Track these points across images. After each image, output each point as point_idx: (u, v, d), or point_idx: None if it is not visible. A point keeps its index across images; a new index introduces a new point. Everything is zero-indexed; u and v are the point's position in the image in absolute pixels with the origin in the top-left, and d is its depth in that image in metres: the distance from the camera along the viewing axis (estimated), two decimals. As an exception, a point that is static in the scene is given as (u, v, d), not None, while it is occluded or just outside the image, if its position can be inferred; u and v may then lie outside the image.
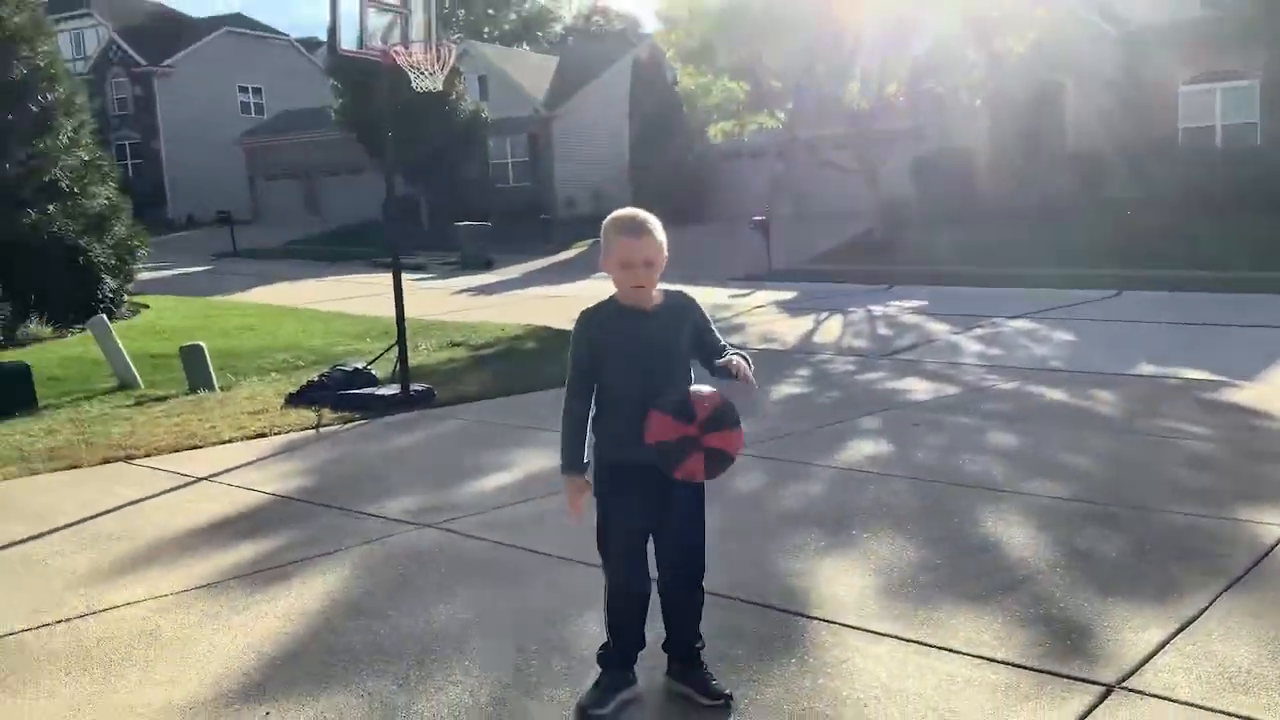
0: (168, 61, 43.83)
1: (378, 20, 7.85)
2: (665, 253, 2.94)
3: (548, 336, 12.59)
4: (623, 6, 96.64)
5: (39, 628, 3.71)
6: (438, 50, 8.06)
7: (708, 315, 3.04)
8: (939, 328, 12.10)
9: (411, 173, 32.31)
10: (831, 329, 12.74)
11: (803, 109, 23.61)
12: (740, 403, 2.87)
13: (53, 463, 6.52)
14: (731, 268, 20.06)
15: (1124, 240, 19.19)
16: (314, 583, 4.12)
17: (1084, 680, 3.06)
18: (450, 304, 16.85)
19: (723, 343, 3.01)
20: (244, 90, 46.90)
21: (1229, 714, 2.84)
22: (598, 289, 13.45)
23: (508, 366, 10.45)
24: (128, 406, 8.71)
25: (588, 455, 2.98)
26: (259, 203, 42.77)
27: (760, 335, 12.26)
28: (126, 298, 15.38)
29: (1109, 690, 2.99)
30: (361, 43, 7.78)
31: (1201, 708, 2.88)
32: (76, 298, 13.79)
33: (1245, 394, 7.78)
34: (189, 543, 4.72)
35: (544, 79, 37.17)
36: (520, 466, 6.14)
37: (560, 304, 16.43)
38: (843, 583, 3.96)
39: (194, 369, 9.67)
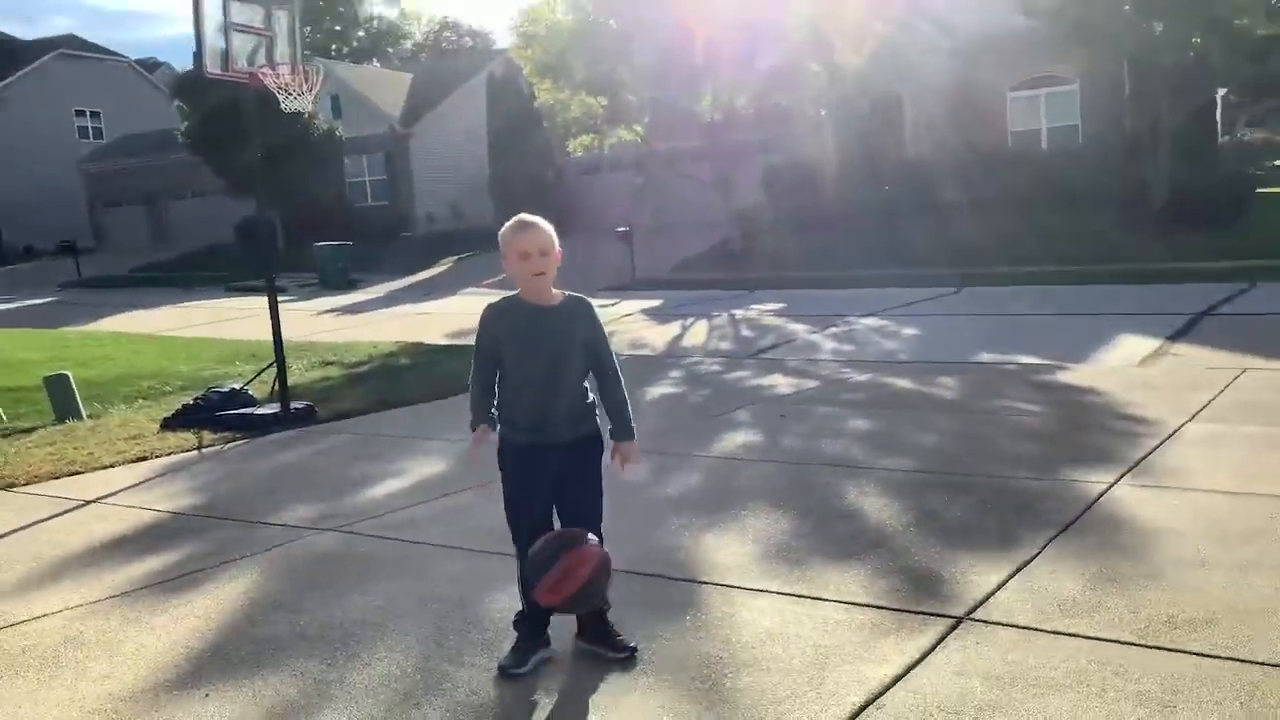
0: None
1: (242, 42, 7.92)
2: (557, 246, 3.29)
3: (420, 352, 12.72)
4: (474, 21, 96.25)
5: (-43, 643, 3.78)
6: (305, 72, 8.18)
7: (603, 329, 3.38)
8: (797, 328, 12.77)
9: (267, 193, 31.63)
10: (698, 333, 13.26)
11: (659, 123, 24.33)
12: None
13: (-72, 495, 6.39)
14: (597, 279, 20.48)
15: (962, 241, 20.46)
16: (227, 586, 4.29)
17: (937, 615, 3.54)
18: (317, 325, 16.73)
19: (613, 368, 3.35)
20: (81, 114, 44.94)
21: (1058, 632, 3.36)
22: (464, 304, 13.90)
23: (383, 382, 10.55)
24: (-4, 438, 8.49)
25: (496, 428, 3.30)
26: (102, 230, 41.04)
27: (630, 342, 12.67)
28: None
29: (958, 621, 3.48)
30: (226, 65, 7.83)
31: (1036, 629, 3.39)
32: (-83, 333, 13.17)
33: (1073, 375, 8.59)
34: (93, 559, 4.80)
35: (399, 96, 36.91)
36: (407, 474, 6.35)
37: (428, 321, 16.54)
38: (725, 552, 4.37)
39: (60, 398, 9.47)
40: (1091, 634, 3.32)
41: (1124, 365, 9.00)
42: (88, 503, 6.00)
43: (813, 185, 26.33)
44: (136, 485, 6.42)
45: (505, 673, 3.25)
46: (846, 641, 3.37)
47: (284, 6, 8.16)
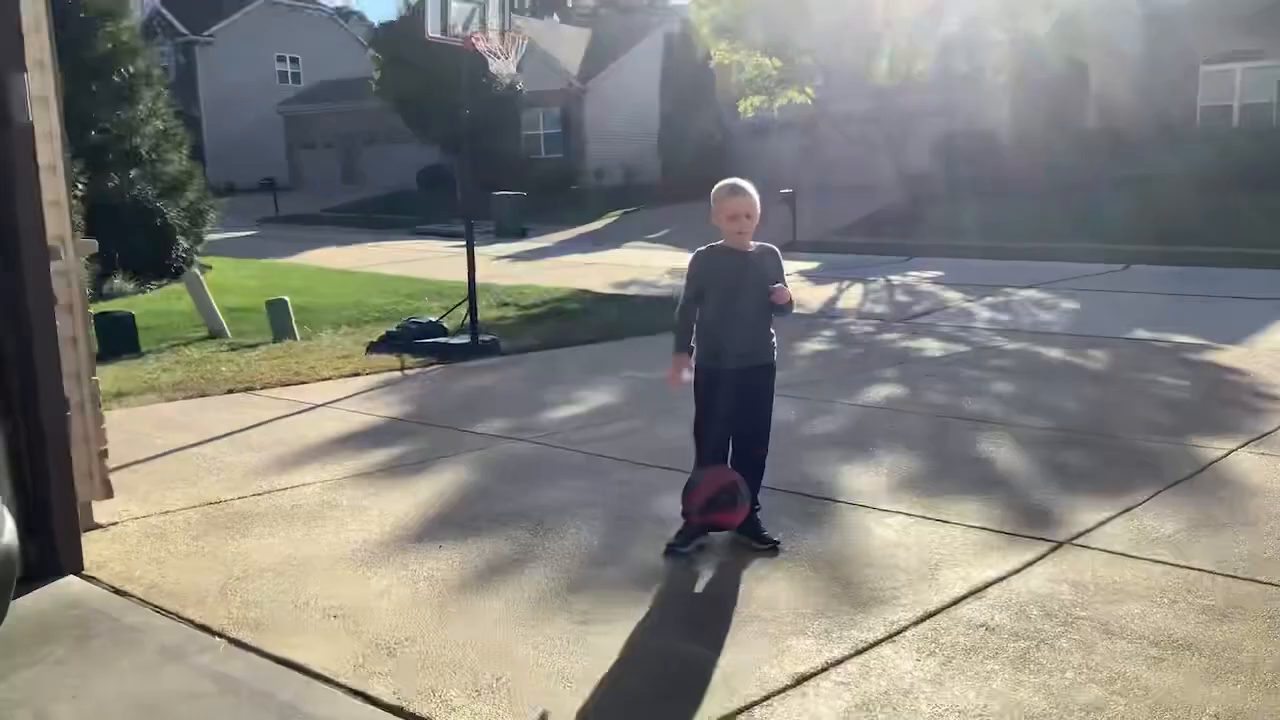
0: (209, 31, 44.87)
1: (459, 9, 8.82)
2: (759, 208, 3.99)
3: (590, 299, 13.59)
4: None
5: (238, 499, 4.82)
6: (510, 37, 9.04)
7: (782, 266, 4.08)
8: (953, 295, 13.05)
9: (448, 144, 33.30)
10: (853, 296, 13.69)
11: (832, 86, 24.42)
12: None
13: (183, 392, 7.63)
14: (758, 238, 21.00)
15: (1137, 217, 19.98)
16: (444, 475, 5.21)
17: (1042, 539, 4.10)
18: (493, 269, 17.87)
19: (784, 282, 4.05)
20: (282, 60, 47.89)
21: (1145, 559, 3.88)
22: (628, 256, 14.89)
23: (558, 323, 11.46)
24: (224, 351, 9.80)
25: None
26: (297, 171, 43.88)
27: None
28: (195, 258, 16.49)
29: (1060, 545, 4.04)
30: (445, 29, 8.75)
31: (1126, 555, 3.92)
32: (153, 257, 14.93)
33: (1224, 355, 8.71)
34: (331, 448, 5.82)
35: (577, 52, 37.96)
36: (586, 402, 7.19)
37: (597, 270, 17.43)
38: (861, 480, 5.01)
39: (278, 320, 10.77)
40: (1175, 562, 3.83)
41: (1277, 349, 9.04)
42: (316, 406, 7.08)
43: (986, 153, 25.97)
44: (354, 395, 7.49)
45: (672, 550, 4.00)
46: (959, 552, 3.98)
47: (495, -23, 9.02)
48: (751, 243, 4.02)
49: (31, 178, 3.57)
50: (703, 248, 4.09)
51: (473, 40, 8.92)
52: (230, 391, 7.61)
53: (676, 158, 31.23)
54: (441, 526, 4.38)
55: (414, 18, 33.38)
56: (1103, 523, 4.30)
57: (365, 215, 33.10)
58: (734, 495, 3.86)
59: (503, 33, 9.15)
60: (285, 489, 4.98)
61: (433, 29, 8.79)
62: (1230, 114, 25.27)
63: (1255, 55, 24.87)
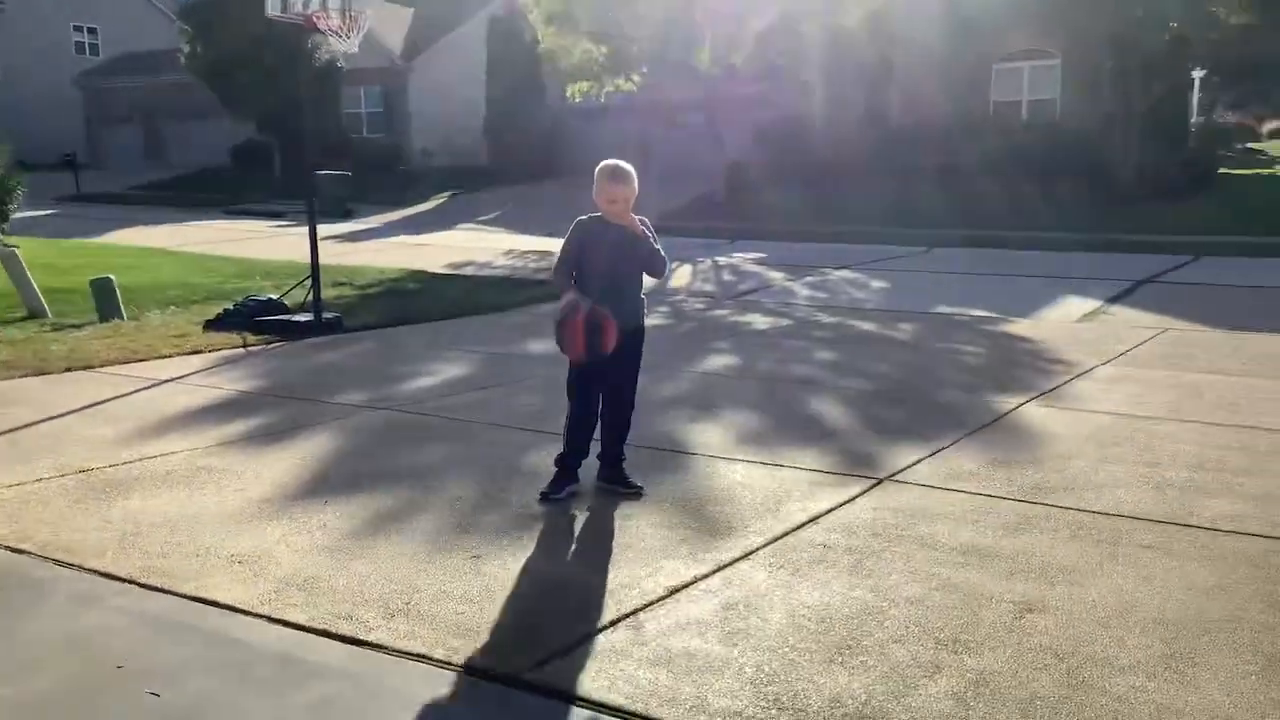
0: (-3, -2, 41.67)
1: (299, -13, 8.82)
2: (637, 190, 4.33)
3: (424, 278, 13.71)
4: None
5: (109, 466, 4.88)
6: (353, 16, 9.10)
7: (653, 233, 4.44)
8: (775, 275, 13.87)
9: (265, 120, 32.25)
10: (683, 275, 14.33)
11: (658, 74, 25.12)
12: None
13: (17, 371, 7.41)
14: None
15: (937, 204, 21.57)
16: (312, 441, 5.40)
17: (866, 477, 4.71)
18: (322, 249, 17.61)
19: (659, 249, 4.41)
20: (79, 30, 44.93)
21: (951, 489, 4.54)
22: (459, 238, 15.27)
23: (396, 302, 11.56)
24: (49, 331, 9.47)
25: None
26: (97, 147, 41.36)
27: (622, 279, 13.73)
28: (2, 236, 15.56)
29: (880, 481, 4.66)
30: (285, 8, 8.74)
31: (936, 487, 4.57)
32: (-48, 235, 14.01)
33: (1015, 326, 9.74)
34: (191, 419, 5.89)
35: (400, 30, 37.34)
36: (438, 374, 7.45)
37: (427, 251, 17.45)
38: (707, 435, 5.52)
39: (104, 300, 10.45)
40: (975, 491, 4.50)
41: (1062, 320, 10.16)
42: (163, 381, 7.06)
43: (801, 142, 27.35)
44: (200, 371, 7.48)
45: (546, 498, 4.38)
46: (796, 490, 4.53)
47: (335, -44, 9.04)
48: (629, 214, 4.37)
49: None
50: (583, 216, 4.43)
51: (314, 19, 8.95)
52: (69, 369, 7.45)
53: (505, 140, 31.31)
54: (323, 485, 4.61)
55: (226, -11, 32.19)
56: (915, 463, 4.94)
57: (174, 194, 31.67)
58: (596, 325, 4.15)
59: (344, 12, 9.20)
60: (154, 456, 5.06)
61: (272, 8, 8.77)
62: (1020, 109, 27.44)
63: (1041, 55, 27.12)
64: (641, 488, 4.49)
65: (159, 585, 3.40)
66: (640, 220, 4.40)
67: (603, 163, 4.40)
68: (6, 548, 3.74)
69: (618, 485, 4.49)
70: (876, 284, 13.35)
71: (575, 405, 4.45)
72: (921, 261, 15.81)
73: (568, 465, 4.46)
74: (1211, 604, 3.32)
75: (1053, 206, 21.18)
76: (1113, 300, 11.41)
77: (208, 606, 3.24)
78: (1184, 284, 12.90)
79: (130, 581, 3.44)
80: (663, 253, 4.44)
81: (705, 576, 3.54)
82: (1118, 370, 7.44)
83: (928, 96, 27.66)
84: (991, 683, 2.78)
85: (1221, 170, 23.00)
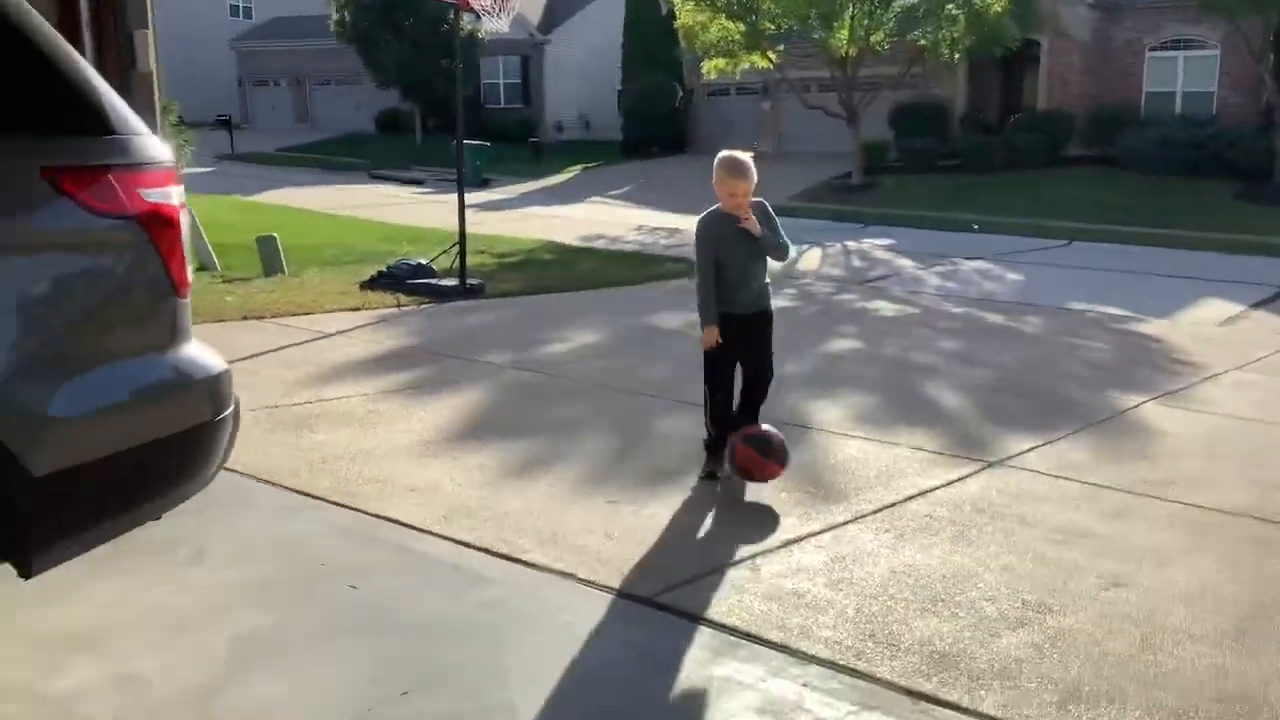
0: (163, -42, 44.03)
1: (456, -34, 9.39)
2: (755, 181, 4.46)
3: (561, 250, 14.28)
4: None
5: (293, 404, 5.53)
6: (505, -2, 9.64)
7: (774, 217, 4.63)
8: (906, 263, 13.97)
9: (409, 88, 33.46)
10: (812, 259, 14.55)
11: (794, 52, 25.16)
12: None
13: (197, 318, 8.18)
14: (715, 201, 21.77)
15: (1082, 195, 21.14)
16: (467, 393, 5.98)
17: (977, 459, 5.00)
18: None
19: (783, 237, 4.59)
20: (233, -8, 47.23)
21: (1060, 476, 4.79)
22: (591, 211, 15.82)
23: (533, 271, 12.15)
24: (220, 284, 10.34)
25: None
26: (248, 108, 43.51)
27: (750, 259, 14.05)
28: (177, 191, 16.79)
29: (990, 464, 4.94)
30: (444, -13, 9.32)
31: (1045, 474, 4.83)
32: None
33: (1148, 326, 9.69)
34: (358, 369, 6.54)
35: (538, 3, 38.15)
36: (572, 340, 7.96)
37: (562, 224, 18.06)
38: (829, 412, 5.87)
39: (269, 256, 11.32)
40: (1083, 479, 4.75)
41: (1200, 323, 10.05)
42: (330, 334, 7.76)
43: (939, 127, 27.06)
44: (362, 326, 8.17)
45: (713, 476, 4.58)
46: (909, 467, 4.86)
47: (494, -61, 9.59)
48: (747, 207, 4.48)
49: (155, 116, 4.23)
50: (705, 215, 4.59)
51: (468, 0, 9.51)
52: (245, 318, 8.24)
53: (637, 115, 31.75)
54: (477, 431, 5.16)
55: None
56: (1027, 450, 5.20)
57: (321, 156, 33.14)
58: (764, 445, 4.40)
59: (497, -9, 9.73)
60: (331, 399, 5.70)
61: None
62: (1174, 100, 26.46)
63: (1199, 44, 26.14)
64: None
65: (347, 504, 3.99)
66: (758, 203, 4.51)
67: (721, 154, 4.52)
68: (218, 466, 4.38)
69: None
70: (1010, 276, 13.32)
71: (713, 395, 4.60)
72: (1059, 255, 15.64)
73: (718, 444, 4.61)
74: (1294, 593, 3.55)
75: (1204, 204, 20.50)
76: (1258, 305, 11.17)
77: (389, 523, 3.80)
78: (1338, 292, 12.50)
79: (323, 499, 4.04)
80: (785, 240, 4.59)
81: (817, 534, 3.93)
82: (1248, 376, 7.44)
83: (1076, 82, 26.98)
84: (1069, 638, 3.10)
85: (1388, 173, 21.80)
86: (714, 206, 4.61)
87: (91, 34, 4.14)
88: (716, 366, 4.61)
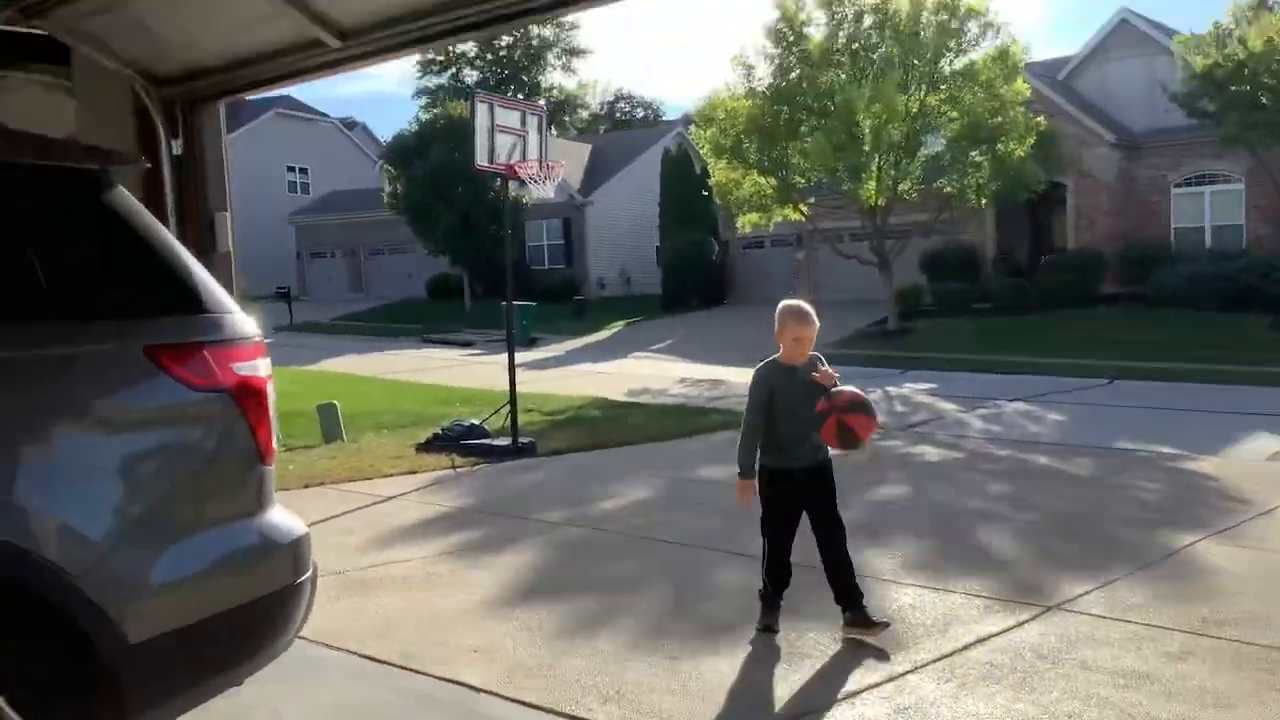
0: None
1: (503, 141, 9.98)
2: (818, 329, 4.57)
3: (606, 406, 14.53)
4: (646, 92, 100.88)
5: (355, 570, 5.69)
6: (548, 165, 10.19)
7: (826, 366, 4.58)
8: (948, 406, 14.05)
9: (459, 255, 34.75)
10: (854, 404, 14.67)
11: (824, 202, 25.95)
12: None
13: (261, 486, 8.47)
14: (758, 350, 22.09)
15: (1118, 333, 21.23)
16: (521, 553, 6.10)
17: (1034, 604, 5.01)
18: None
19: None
20: (291, 170, 49.71)
21: (1118, 619, 4.78)
22: (635, 366, 16.22)
23: (582, 427, 12.38)
24: (283, 452, 10.64)
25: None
26: (305, 278, 45.23)
27: (793, 407, 14.21)
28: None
29: (1048, 609, 4.95)
30: (491, 159, 9.89)
31: (1103, 617, 4.82)
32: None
33: (1199, 464, 9.63)
34: (415, 532, 6.70)
35: (578, 166, 39.73)
36: (624, 496, 8.10)
37: (606, 379, 18.40)
38: (881, 560, 5.91)
39: (329, 423, 11.68)
40: (1142, 621, 4.73)
41: (1251, 458, 9.98)
42: (389, 498, 7.97)
43: (971, 269, 27.51)
44: (419, 489, 8.38)
45: (769, 629, 4.53)
46: (966, 614, 4.87)
47: (535, 113, 10.24)
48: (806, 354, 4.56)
49: (233, 293, 4.56)
50: (763, 364, 4.60)
51: (515, 168, 10.07)
52: (306, 486, 8.49)
53: (676, 269, 32.59)
54: (535, 590, 5.27)
55: (425, 133, 35.31)
56: (1084, 593, 5.20)
57: (375, 324, 34.20)
58: (866, 407, 4.42)
59: (541, 161, 10.30)
60: (391, 563, 5.86)
61: (481, 159, 9.92)
62: (1203, 234, 26.77)
63: (1223, 178, 26.61)
64: (888, 622, 4.55)
65: (414, 667, 4.09)
66: (814, 356, 4.56)
67: (785, 303, 4.56)
68: (288, 633, 4.52)
69: (863, 631, 4.48)
70: (1053, 417, 13.34)
71: (770, 547, 4.59)
72: (1102, 394, 15.63)
73: (772, 599, 4.60)
74: (1368, 734, 3.50)
75: (1241, 337, 20.51)
76: (1307, 438, 11.10)
77: (455, 685, 3.89)
78: (1384, 421, 12.37)
79: (390, 664, 4.14)
80: None
81: (877, 685, 3.96)
82: (1302, 508, 7.38)
83: (1103, 221, 27.43)
84: (1142, 787, 3.09)
85: None
86: (772, 356, 4.62)
87: (175, 217, 4.52)
88: (774, 519, 4.59)
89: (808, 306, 4.59)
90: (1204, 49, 22.02)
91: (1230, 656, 4.28)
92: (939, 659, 4.25)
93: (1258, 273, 23.13)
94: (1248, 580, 5.45)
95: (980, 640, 4.48)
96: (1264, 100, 20.93)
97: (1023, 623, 4.73)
